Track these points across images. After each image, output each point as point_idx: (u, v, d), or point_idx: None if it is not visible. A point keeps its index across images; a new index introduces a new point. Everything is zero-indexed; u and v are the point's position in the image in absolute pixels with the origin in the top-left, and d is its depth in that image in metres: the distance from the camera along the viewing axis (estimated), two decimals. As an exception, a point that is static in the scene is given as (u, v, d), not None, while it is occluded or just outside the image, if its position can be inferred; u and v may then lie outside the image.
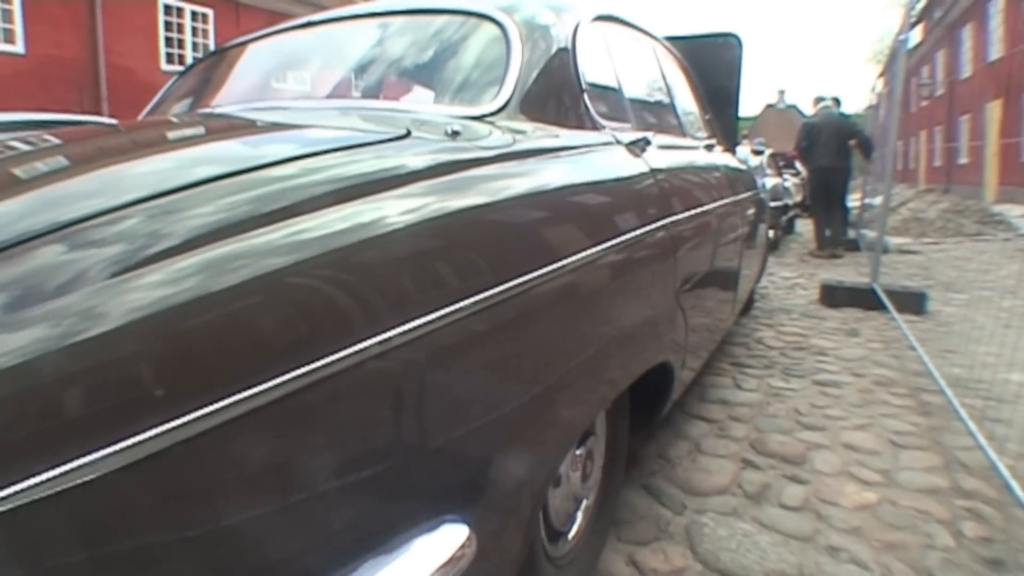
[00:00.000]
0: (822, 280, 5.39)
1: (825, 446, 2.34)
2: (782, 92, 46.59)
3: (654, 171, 1.66)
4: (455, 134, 1.13)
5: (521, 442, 1.01)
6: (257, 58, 1.95)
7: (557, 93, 1.54)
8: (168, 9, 13.83)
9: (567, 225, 1.18)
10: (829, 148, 7.06)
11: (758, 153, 6.43)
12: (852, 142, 7.20)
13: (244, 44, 2.03)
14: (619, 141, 1.64)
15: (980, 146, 16.84)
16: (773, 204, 7.53)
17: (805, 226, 9.29)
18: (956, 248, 8.24)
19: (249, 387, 0.59)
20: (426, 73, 1.58)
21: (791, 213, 9.08)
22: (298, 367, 0.63)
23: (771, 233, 5.05)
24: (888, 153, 4.69)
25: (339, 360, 0.67)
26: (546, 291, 1.03)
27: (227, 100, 1.80)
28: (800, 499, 1.97)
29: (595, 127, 1.61)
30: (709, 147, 2.68)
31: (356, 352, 0.69)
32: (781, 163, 9.77)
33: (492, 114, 1.36)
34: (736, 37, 4.38)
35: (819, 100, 7.49)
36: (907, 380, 3.07)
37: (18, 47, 11.72)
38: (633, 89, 2.04)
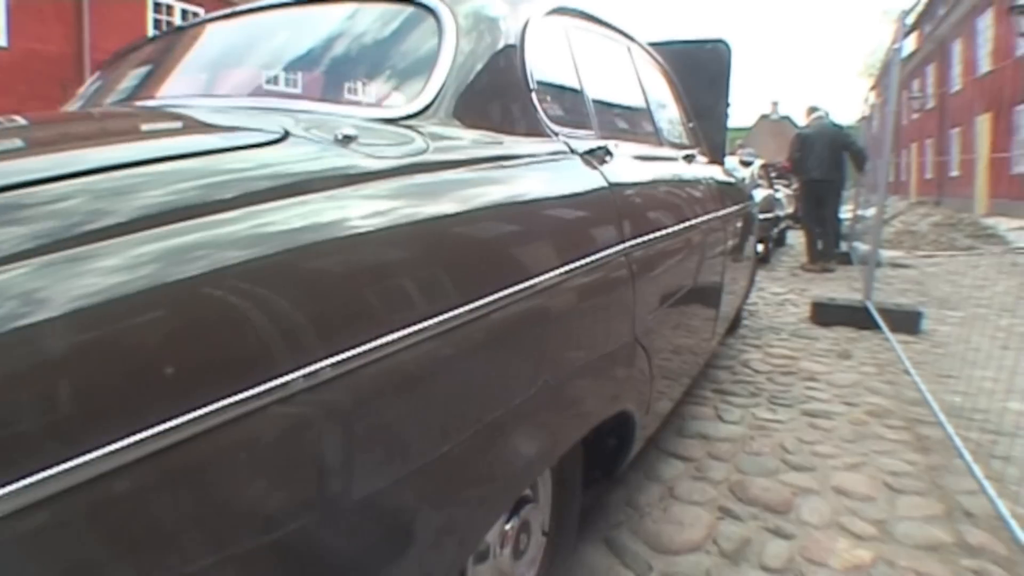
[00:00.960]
0: (813, 296, 5.17)
1: (814, 491, 2.10)
2: (776, 103, 46.60)
3: (613, 185, 1.42)
4: (347, 139, 0.90)
5: (423, 520, 0.78)
6: (172, 51, 1.71)
7: (500, 94, 1.31)
8: (158, 7, 13.61)
9: (486, 255, 0.95)
10: (822, 159, 6.84)
11: (747, 164, 6.17)
12: (846, 153, 7.00)
13: (163, 37, 1.79)
14: (573, 150, 1.41)
15: (971, 159, 16.74)
16: (764, 216, 7.32)
17: (796, 238, 9.05)
18: (950, 262, 8.05)
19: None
20: (344, 67, 1.34)
21: (782, 225, 8.87)
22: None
23: (760, 247, 4.83)
24: (883, 164, 4.48)
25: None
26: (459, 338, 0.80)
27: (126, 96, 1.55)
28: (784, 558, 1.73)
29: (545, 134, 1.37)
30: (689, 157, 2.45)
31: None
32: (773, 174, 9.56)
33: (412, 116, 1.13)
34: (725, 43, 4.21)
35: (813, 110, 7.29)
36: (903, 410, 2.84)
37: (0, 40, 11.48)
38: (598, 92, 1.81)
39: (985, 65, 16.12)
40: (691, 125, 3.06)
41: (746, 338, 4.09)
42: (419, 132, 1.08)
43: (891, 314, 4.26)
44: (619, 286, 1.32)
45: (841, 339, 4.08)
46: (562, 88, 1.61)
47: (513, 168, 1.15)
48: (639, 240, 1.42)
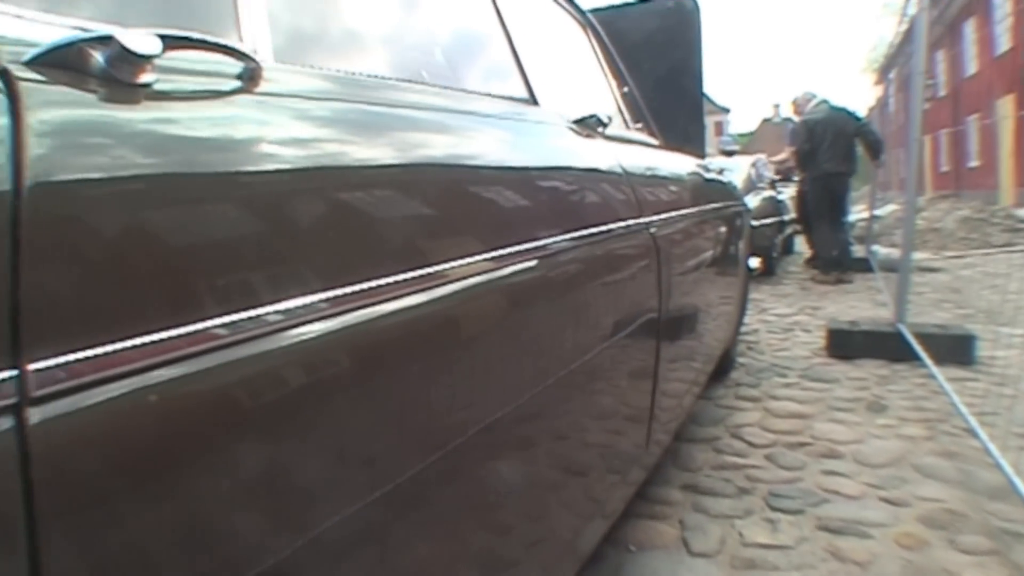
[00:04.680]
0: (829, 317, 4.14)
1: None
2: (777, 106, 45.78)
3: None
4: None
5: None
6: None
7: None
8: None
9: None
10: (836, 150, 5.75)
11: (728, 154, 5.01)
12: (857, 142, 5.92)
13: None
14: None
15: (992, 146, 15.56)
16: (765, 222, 6.27)
17: (802, 245, 7.90)
18: (986, 263, 6.93)
19: None
20: None
21: (788, 231, 7.77)
22: None
23: (757, 262, 3.81)
24: (913, 148, 3.43)
25: None
26: None
27: None
28: None
29: None
30: (591, 124, 1.41)
31: None
32: (775, 174, 8.45)
33: None
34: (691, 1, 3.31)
35: (810, 97, 6.23)
36: (980, 509, 1.80)
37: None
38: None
39: (1004, 43, 15.00)
40: (626, 90, 2.06)
41: (741, 385, 3.04)
42: None
43: (933, 339, 3.20)
44: None
45: (870, 380, 3.02)
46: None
47: None
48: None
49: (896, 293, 3.54)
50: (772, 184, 7.43)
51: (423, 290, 0.68)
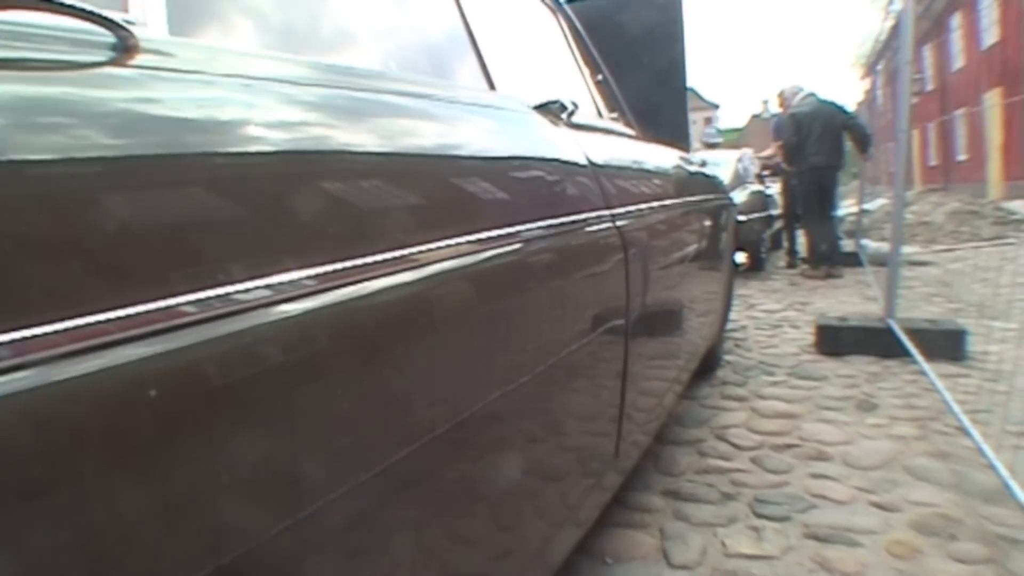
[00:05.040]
0: (817, 313, 4.06)
1: None
2: (766, 102, 45.94)
3: None
4: None
5: None
6: None
7: None
8: None
9: None
10: (824, 143, 5.65)
11: (712, 147, 4.89)
12: (845, 135, 5.83)
13: None
14: None
15: (980, 140, 15.54)
16: (753, 216, 6.19)
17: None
18: (976, 256, 6.87)
19: None
20: None
21: (776, 226, 7.69)
22: None
23: (743, 257, 3.72)
24: (901, 142, 3.35)
25: None
26: None
27: None
28: None
29: None
30: (555, 110, 1.31)
31: None
32: (764, 170, 8.36)
33: None
34: (670, -11, 3.22)
35: (799, 90, 6.14)
36: (974, 513, 1.71)
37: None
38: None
39: (990, 36, 14.99)
40: (600, 78, 1.96)
41: (727, 384, 2.94)
42: None
43: (924, 334, 3.13)
44: None
45: (859, 377, 2.93)
46: None
47: None
48: None
49: (886, 287, 3.47)
50: (760, 179, 7.35)
51: (344, 285, 0.58)
